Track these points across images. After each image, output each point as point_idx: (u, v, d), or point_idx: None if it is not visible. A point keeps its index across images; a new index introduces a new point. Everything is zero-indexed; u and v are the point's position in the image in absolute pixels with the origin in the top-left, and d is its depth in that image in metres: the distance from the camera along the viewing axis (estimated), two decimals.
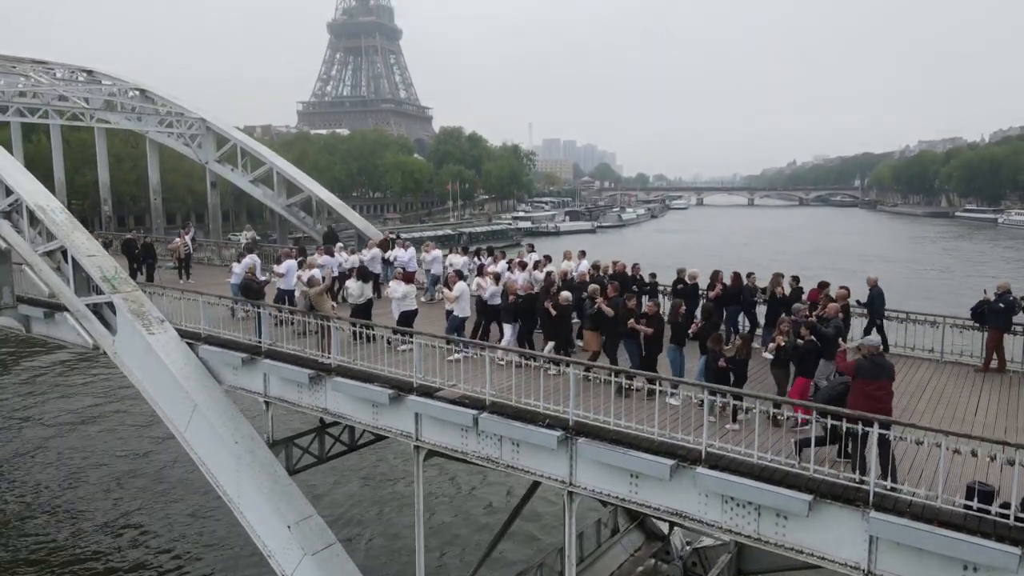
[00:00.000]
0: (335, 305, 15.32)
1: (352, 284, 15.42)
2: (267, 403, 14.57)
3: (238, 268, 17.18)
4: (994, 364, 13.89)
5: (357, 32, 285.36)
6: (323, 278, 15.50)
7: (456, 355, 12.77)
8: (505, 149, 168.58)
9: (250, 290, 15.32)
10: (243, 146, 26.74)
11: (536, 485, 15.95)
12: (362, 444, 16.75)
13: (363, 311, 14.98)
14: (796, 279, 15.11)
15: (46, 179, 20.39)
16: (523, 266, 17.00)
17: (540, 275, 16.33)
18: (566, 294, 13.53)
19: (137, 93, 28.55)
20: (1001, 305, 13.68)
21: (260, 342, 14.43)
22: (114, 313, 15.79)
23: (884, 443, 8.37)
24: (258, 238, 25.07)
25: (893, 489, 8.33)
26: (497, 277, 15.43)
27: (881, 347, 9.81)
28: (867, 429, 8.38)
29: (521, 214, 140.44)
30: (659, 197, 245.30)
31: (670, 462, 9.54)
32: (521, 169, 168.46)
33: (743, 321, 15.41)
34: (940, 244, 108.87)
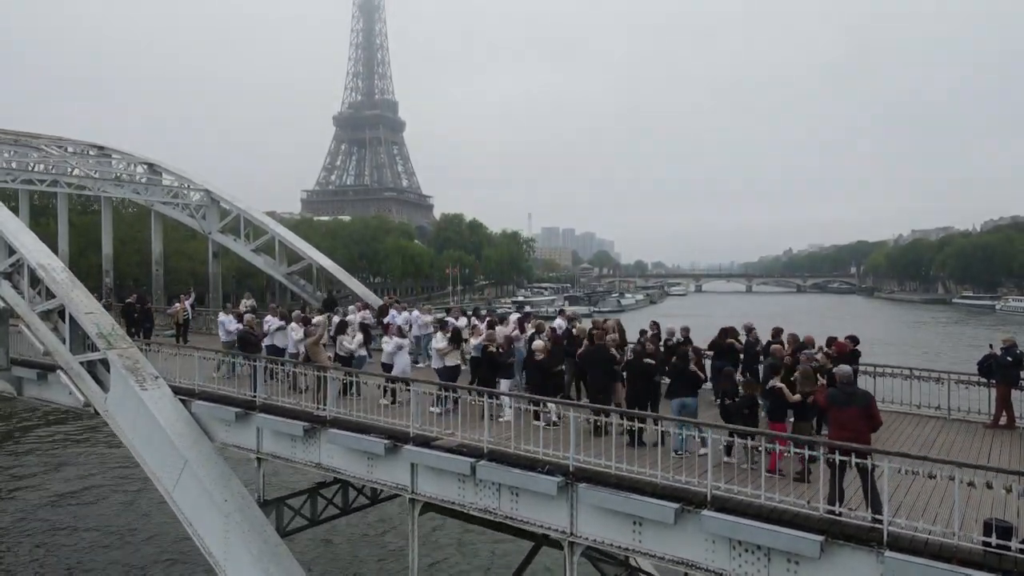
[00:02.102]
0: (331, 357, 15.16)
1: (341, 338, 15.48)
2: (259, 460, 14.20)
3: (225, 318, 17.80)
4: (1003, 421, 13.62)
5: (362, 124, 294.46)
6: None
7: (435, 408, 12.68)
8: (505, 236, 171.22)
9: (248, 343, 15.20)
10: (247, 216, 27.13)
11: (535, 549, 15.39)
12: (355, 508, 16.25)
13: (344, 363, 15.08)
14: (780, 331, 15.05)
15: None
16: (496, 322, 16.90)
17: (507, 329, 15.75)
18: (539, 343, 13.37)
19: (145, 167, 29.21)
20: (1009, 359, 13.51)
21: (255, 396, 14.20)
22: (108, 371, 15.63)
23: (865, 473, 8.38)
24: (256, 306, 25.02)
25: (876, 521, 8.13)
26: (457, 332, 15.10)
27: (852, 376, 9.77)
28: (843, 459, 8.34)
29: (521, 298, 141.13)
30: (658, 283, 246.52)
31: (675, 505, 9.22)
32: (521, 255, 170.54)
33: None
34: (940, 328, 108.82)
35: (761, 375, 14.74)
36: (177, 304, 22.60)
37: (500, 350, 13.64)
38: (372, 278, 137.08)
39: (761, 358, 14.97)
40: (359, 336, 15.12)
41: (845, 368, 9.91)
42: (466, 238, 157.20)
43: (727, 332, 15.17)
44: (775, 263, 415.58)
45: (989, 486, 7.83)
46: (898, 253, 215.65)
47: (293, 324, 15.63)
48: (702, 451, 10.32)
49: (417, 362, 18.36)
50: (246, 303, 24.60)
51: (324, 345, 15.34)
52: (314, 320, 17.11)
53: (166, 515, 22.72)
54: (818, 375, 11.28)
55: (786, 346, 13.91)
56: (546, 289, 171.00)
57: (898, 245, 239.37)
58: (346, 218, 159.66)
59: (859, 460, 8.40)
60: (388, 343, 14.28)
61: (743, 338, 15.32)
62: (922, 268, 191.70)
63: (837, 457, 8.46)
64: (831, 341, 14.35)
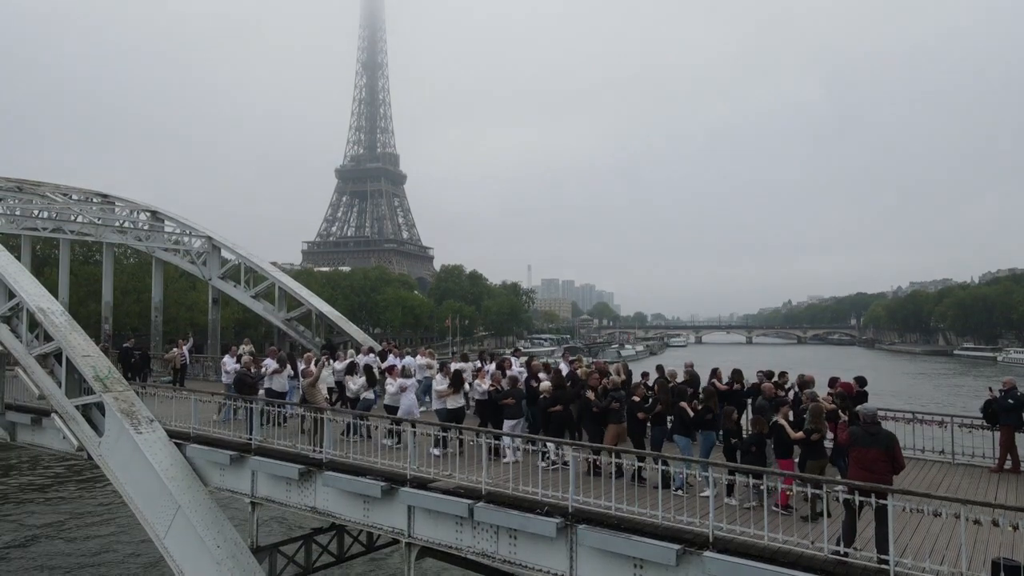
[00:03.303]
0: (328, 398, 15.04)
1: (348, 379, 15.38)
2: (253, 504, 13.95)
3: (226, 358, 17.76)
4: (1008, 465, 13.43)
5: (364, 177, 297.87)
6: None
7: (436, 450, 12.59)
8: (505, 287, 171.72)
9: (244, 385, 15.09)
10: (247, 263, 27.28)
11: None
12: (350, 556, 15.90)
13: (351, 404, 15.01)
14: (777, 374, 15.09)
15: None
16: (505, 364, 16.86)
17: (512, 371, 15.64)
18: (546, 384, 13.32)
19: (148, 215, 29.47)
20: (1010, 401, 13.41)
21: (251, 438, 14.04)
22: (103, 415, 15.49)
23: (881, 514, 8.15)
24: (254, 351, 24.97)
25: (882, 561, 7.94)
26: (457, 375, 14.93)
27: (876, 416, 9.57)
28: (863, 499, 8.14)
29: (520, 349, 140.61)
30: (658, 335, 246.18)
31: (676, 547, 9.03)
32: (520, 306, 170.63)
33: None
34: (943, 380, 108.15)
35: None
36: (175, 349, 22.49)
37: (501, 388, 13.58)
38: (372, 328, 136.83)
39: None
40: (361, 379, 15.03)
41: (870, 407, 9.65)
42: (466, 289, 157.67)
43: (712, 374, 15.24)
44: (775, 315, 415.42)
45: (996, 524, 7.67)
46: (897, 305, 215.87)
47: (301, 365, 15.59)
48: (703, 493, 10.17)
49: (420, 405, 18.27)
50: (244, 348, 24.55)
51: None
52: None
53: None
54: (840, 412, 11.17)
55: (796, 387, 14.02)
56: (546, 340, 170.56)
57: (897, 297, 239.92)
58: (346, 269, 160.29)
59: (864, 498, 8.23)
60: (391, 385, 14.21)
61: (748, 381, 15.35)
62: (922, 320, 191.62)
63: (842, 495, 8.31)
64: (833, 381, 14.28)
